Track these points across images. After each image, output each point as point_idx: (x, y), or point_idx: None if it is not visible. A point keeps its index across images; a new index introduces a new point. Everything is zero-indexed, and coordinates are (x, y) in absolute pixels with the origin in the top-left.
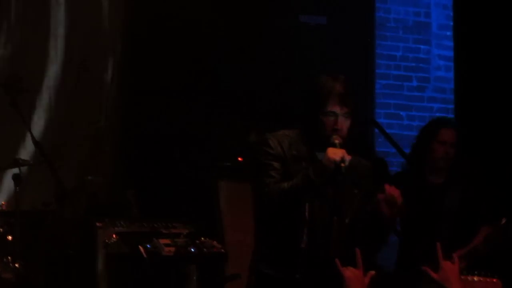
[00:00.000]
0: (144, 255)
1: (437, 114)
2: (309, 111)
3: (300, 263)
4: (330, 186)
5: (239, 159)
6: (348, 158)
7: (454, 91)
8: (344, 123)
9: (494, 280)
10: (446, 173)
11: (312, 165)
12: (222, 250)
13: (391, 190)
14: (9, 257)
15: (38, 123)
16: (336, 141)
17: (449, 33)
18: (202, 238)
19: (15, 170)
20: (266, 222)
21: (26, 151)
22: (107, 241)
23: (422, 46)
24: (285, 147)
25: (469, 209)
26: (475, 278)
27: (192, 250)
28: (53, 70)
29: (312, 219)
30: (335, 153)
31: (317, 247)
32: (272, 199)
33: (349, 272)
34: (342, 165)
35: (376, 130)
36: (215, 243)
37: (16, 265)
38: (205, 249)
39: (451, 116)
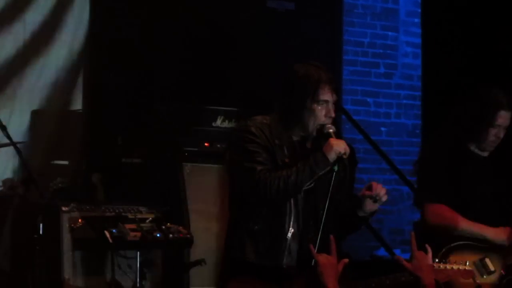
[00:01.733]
0: (110, 240)
1: (404, 101)
2: (296, 100)
3: (286, 252)
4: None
5: (206, 144)
6: (348, 149)
7: (421, 78)
8: (334, 111)
9: (467, 268)
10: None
11: (313, 155)
12: (188, 236)
13: (379, 188)
14: None
15: (3, 106)
16: (331, 131)
17: (417, 20)
18: (168, 224)
19: None
20: (248, 210)
21: None
22: (72, 225)
23: (389, 33)
24: (268, 135)
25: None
26: (448, 266)
27: (158, 235)
28: (18, 53)
29: (297, 207)
30: (338, 145)
31: (302, 236)
32: (270, 187)
33: (323, 259)
34: (344, 156)
35: (343, 117)
36: (181, 228)
37: None
38: (171, 235)
39: (418, 103)
